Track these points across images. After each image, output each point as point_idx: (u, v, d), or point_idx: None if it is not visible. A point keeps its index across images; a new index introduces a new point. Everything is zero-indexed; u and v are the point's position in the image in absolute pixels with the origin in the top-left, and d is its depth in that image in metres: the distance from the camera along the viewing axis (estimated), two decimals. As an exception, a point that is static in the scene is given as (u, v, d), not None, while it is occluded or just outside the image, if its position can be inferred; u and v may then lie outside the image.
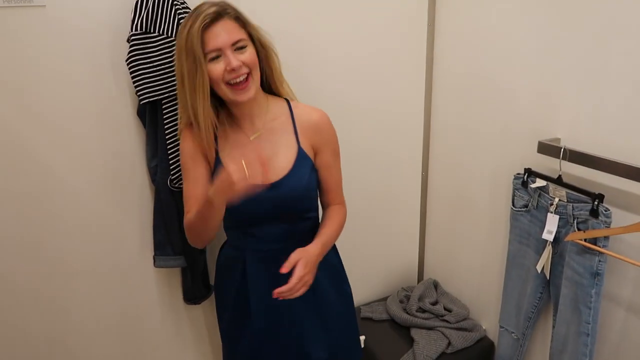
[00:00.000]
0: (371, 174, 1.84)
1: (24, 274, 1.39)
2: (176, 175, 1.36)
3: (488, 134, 1.60)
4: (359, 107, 1.72)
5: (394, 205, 1.94)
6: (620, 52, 1.16)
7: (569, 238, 1.27)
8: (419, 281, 2.09)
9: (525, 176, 1.41)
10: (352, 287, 1.40)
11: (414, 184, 1.96)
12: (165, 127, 1.32)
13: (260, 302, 1.23)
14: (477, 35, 1.57)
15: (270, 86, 1.20)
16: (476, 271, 1.80)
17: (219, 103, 1.16)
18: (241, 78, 1.07)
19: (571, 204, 1.28)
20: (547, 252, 1.37)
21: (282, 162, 1.17)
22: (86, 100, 1.32)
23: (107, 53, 1.30)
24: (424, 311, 1.82)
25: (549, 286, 1.43)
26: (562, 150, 1.26)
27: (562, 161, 1.27)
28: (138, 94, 1.28)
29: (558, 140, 1.35)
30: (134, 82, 1.28)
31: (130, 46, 1.25)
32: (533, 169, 1.40)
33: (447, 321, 1.76)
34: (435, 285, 1.96)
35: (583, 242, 1.23)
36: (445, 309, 1.82)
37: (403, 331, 1.78)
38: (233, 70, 1.05)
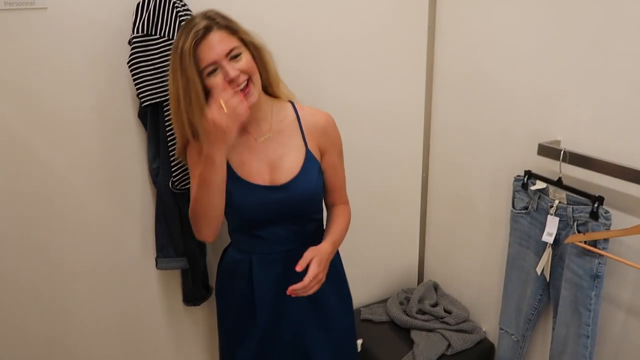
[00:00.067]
0: (371, 175, 1.84)
1: (25, 274, 1.40)
2: (178, 177, 1.36)
3: (488, 136, 1.61)
4: (359, 108, 1.72)
5: (394, 206, 1.94)
6: (620, 54, 1.16)
7: (568, 240, 1.27)
8: (419, 283, 2.09)
9: (526, 178, 1.41)
10: (351, 288, 1.40)
11: (414, 185, 1.96)
12: (167, 129, 1.32)
13: (266, 304, 1.24)
14: (477, 36, 1.57)
15: (266, 88, 1.20)
16: (476, 273, 1.80)
17: None
18: (242, 86, 1.07)
19: (571, 206, 1.28)
20: (547, 254, 1.38)
21: (291, 164, 1.18)
22: (87, 102, 1.33)
23: (109, 55, 1.31)
24: (424, 313, 1.82)
25: (548, 288, 1.43)
26: (562, 152, 1.27)
27: (562, 163, 1.28)
28: (139, 96, 1.29)
29: (558, 142, 1.35)
30: (135, 85, 1.28)
31: (132, 49, 1.26)
32: (533, 171, 1.40)
33: (447, 323, 1.76)
34: (435, 287, 1.96)
35: (583, 245, 1.23)
36: (445, 310, 1.82)
37: (403, 333, 1.78)
38: (232, 80, 1.05)
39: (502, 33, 1.47)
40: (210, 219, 1.13)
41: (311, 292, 1.09)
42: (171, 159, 1.35)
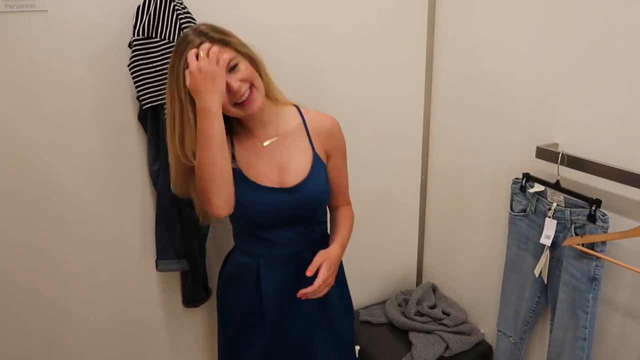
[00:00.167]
0: (370, 176, 1.84)
1: (25, 275, 1.40)
2: (177, 179, 1.37)
3: (487, 138, 1.61)
4: (358, 108, 1.73)
5: (393, 207, 1.94)
6: (618, 58, 1.17)
7: (566, 243, 1.28)
8: (417, 284, 2.10)
9: (524, 181, 1.42)
10: (350, 290, 1.40)
11: (413, 187, 1.96)
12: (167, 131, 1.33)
13: (273, 306, 1.24)
14: (477, 37, 1.58)
15: (266, 94, 1.18)
16: (475, 275, 1.81)
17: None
18: (245, 95, 1.07)
19: (569, 209, 1.29)
20: (545, 256, 1.38)
21: (299, 166, 1.18)
22: (88, 105, 1.33)
23: (109, 58, 1.31)
24: (422, 315, 1.82)
25: (546, 291, 1.44)
26: (560, 155, 1.27)
27: (560, 166, 1.28)
28: (140, 98, 1.29)
29: (556, 145, 1.36)
30: (136, 87, 1.28)
31: (133, 51, 1.26)
32: (531, 173, 1.41)
33: (445, 325, 1.77)
34: (434, 288, 1.96)
35: (580, 247, 1.24)
36: (443, 312, 1.82)
37: (401, 335, 1.79)
38: (235, 93, 1.05)
39: (502, 34, 1.48)
40: (218, 184, 1.06)
41: (321, 295, 1.12)
42: (171, 161, 1.35)
